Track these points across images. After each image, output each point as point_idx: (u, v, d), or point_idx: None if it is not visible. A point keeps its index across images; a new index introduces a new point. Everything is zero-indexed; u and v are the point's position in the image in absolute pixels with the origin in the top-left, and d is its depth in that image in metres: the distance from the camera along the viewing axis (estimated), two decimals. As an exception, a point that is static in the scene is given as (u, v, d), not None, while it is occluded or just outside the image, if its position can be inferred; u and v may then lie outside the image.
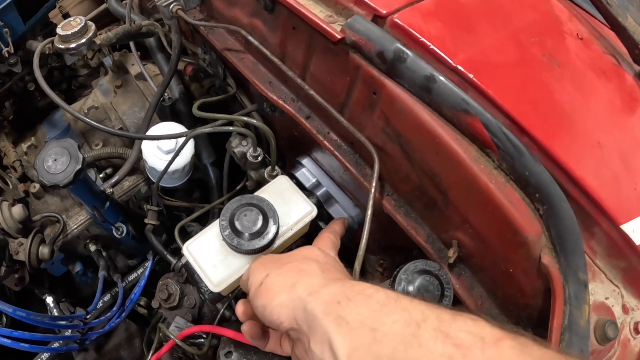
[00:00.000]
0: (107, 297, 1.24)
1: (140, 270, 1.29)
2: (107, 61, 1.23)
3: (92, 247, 1.18)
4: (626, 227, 0.67)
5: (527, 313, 0.69)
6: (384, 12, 0.59)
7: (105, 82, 1.22)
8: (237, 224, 0.63)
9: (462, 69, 0.57)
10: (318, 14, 0.62)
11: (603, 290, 0.71)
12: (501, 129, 0.56)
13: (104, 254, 1.20)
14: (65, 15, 1.35)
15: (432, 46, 0.57)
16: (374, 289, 0.44)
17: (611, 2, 0.88)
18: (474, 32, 0.65)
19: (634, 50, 0.88)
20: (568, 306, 0.60)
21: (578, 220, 0.62)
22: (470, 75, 0.57)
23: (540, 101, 0.64)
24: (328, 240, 0.67)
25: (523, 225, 0.58)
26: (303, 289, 0.47)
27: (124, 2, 1.18)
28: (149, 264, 1.20)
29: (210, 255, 0.66)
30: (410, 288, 0.61)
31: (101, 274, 1.14)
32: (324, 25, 0.59)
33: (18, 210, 1.06)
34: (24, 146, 1.19)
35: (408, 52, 0.56)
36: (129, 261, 1.33)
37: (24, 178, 1.16)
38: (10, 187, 1.11)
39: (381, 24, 0.60)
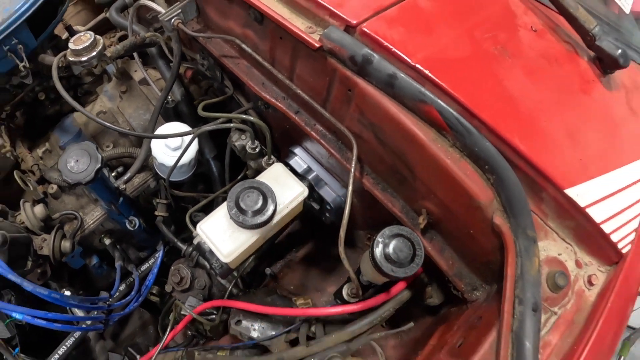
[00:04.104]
0: (122, 287, 1.41)
1: (151, 261, 1.45)
2: (111, 68, 1.39)
3: (107, 241, 1.35)
4: (570, 192, 0.82)
5: (490, 269, 0.85)
6: (354, 22, 0.75)
7: (110, 88, 1.37)
8: (242, 204, 0.80)
9: (420, 67, 0.73)
10: (300, 25, 0.79)
11: (556, 248, 0.86)
12: (453, 114, 0.72)
13: (118, 247, 1.36)
14: (68, 28, 1.50)
15: (394, 49, 0.73)
16: None
17: (564, -5, 1.03)
18: (432, 33, 0.81)
19: (585, 37, 1.03)
20: (520, 258, 0.76)
21: (525, 186, 0.78)
22: (426, 72, 0.73)
23: (489, 89, 0.80)
24: None
25: (477, 192, 0.74)
26: None
27: (123, 13, 1.34)
28: (160, 253, 1.37)
29: (220, 232, 0.83)
30: (387, 249, 0.77)
31: (118, 264, 1.31)
32: (304, 36, 0.75)
33: (40, 209, 1.22)
34: (39, 151, 1.34)
35: (375, 55, 0.72)
36: (140, 253, 1.50)
37: (42, 180, 1.31)
38: (31, 188, 1.27)
39: (352, 32, 0.76)
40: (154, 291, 1.48)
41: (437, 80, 0.73)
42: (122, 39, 1.53)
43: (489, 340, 0.76)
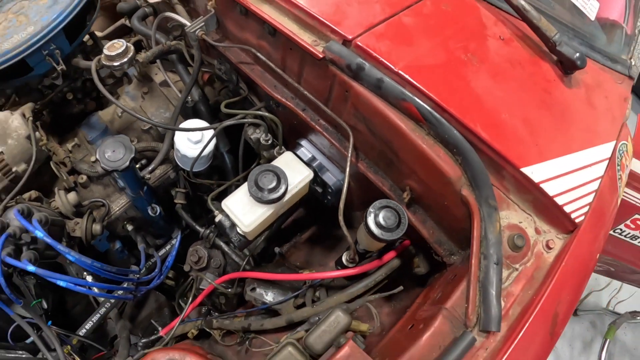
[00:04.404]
0: (142, 270, 1.64)
1: (168, 247, 1.69)
2: (132, 71, 1.63)
3: (130, 227, 1.59)
4: (526, 170, 1.06)
5: (464, 235, 1.10)
6: (350, 37, 1.01)
7: (131, 89, 1.62)
8: (260, 183, 1.05)
9: (402, 73, 0.99)
10: (306, 39, 1.04)
11: (517, 217, 1.09)
12: (428, 109, 0.97)
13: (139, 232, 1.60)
14: (91, 34, 1.74)
15: (381, 58, 0.99)
16: None
17: (528, 8, 1.28)
18: (413, 45, 1.06)
19: (547, 43, 1.29)
20: (483, 222, 1.01)
21: (488, 166, 1.03)
22: (407, 76, 0.98)
23: (458, 89, 1.05)
24: None
25: (448, 170, 0.99)
26: None
27: (144, 21, 1.59)
28: (177, 238, 1.61)
29: (241, 206, 1.08)
30: (378, 218, 1.02)
31: (141, 246, 1.55)
32: (310, 48, 1.01)
33: (72, 196, 1.46)
34: (68, 145, 1.58)
35: (366, 63, 0.98)
36: (157, 241, 1.74)
37: (72, 171, 1.55)
38: (64, 178, 1.51)
39: (349, 45, 1.02)
40: (169, 275, 1.72)
41: (415, 83, 0.99)
42: (136, 44, 1.78)
43: (461, 289, 0.99)
